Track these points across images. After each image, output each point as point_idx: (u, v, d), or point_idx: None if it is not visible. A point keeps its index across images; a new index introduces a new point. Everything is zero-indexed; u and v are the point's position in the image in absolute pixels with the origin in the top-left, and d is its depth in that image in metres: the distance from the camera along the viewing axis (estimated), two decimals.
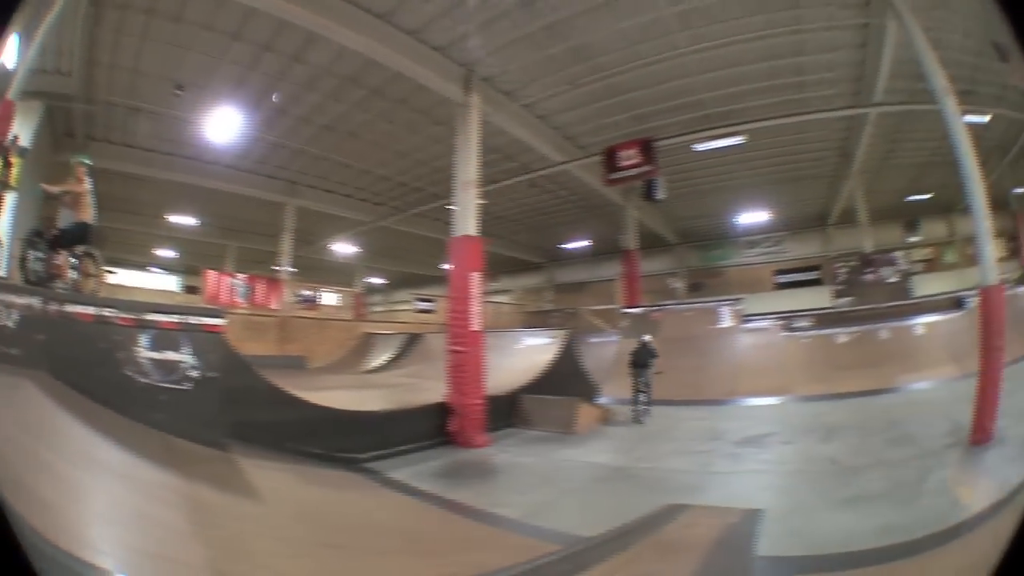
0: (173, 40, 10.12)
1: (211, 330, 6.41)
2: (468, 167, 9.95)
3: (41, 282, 6.92)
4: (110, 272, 15.77)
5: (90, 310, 6.04)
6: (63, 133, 13.09)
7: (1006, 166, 17.07)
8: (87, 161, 7.41)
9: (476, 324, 9.42)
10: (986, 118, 13.06)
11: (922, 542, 3.99)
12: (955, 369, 9.90)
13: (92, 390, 5.35)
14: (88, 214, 7.25)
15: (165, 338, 6.09)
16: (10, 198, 8.27)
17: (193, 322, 6.34)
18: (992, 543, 1.53)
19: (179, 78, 11.23)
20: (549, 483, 6.90)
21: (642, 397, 10.48)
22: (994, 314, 7.03)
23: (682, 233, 25.56)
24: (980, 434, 6.54)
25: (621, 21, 10.22)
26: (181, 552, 3.28)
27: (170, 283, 27.64)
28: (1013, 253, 18.44)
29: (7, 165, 7.96)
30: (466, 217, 9.74)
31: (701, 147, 13.69)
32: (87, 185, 7.25)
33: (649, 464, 7.53)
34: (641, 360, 10.74)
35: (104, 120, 13.04)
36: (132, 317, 6.09)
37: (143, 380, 5.87)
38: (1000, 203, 16.85)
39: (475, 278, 9.47)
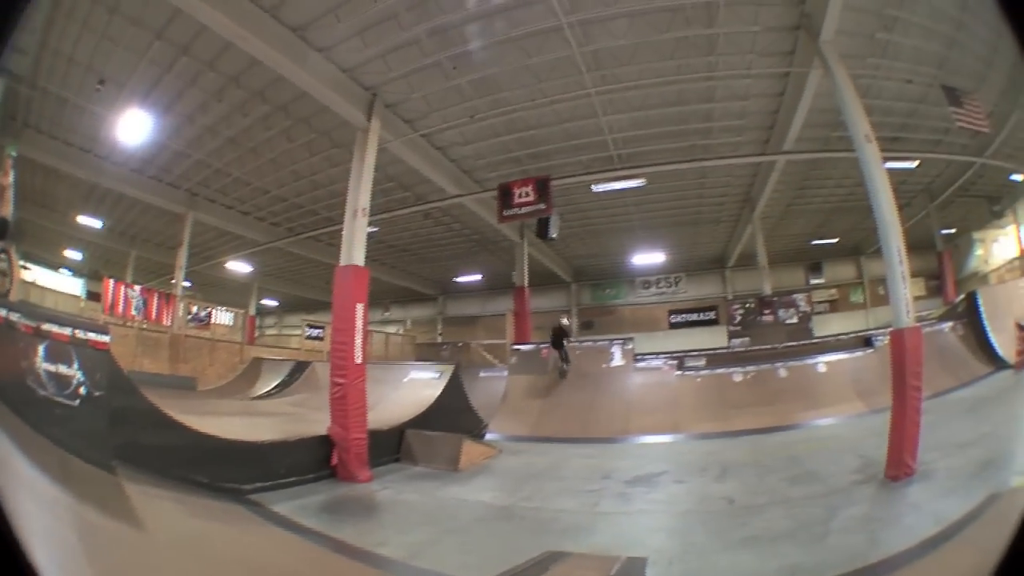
0: (106, 31, 9.83)
1: (96, 346, 6.08)
2: (361, 193, 9.67)
3: None
4: (25, 268, 14.61)
5: (1, 312, 5.84)
6: (8, 116, 12.30)
7: (935, 208, 18.17)
8: (13, 153, 6.88)
9: (359, 357, 9.12)
10: (914, 164, 13.73)
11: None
12: (863, 405, 10.10)
13: (6, 396, 5.25)
14: (7, 209, 6.75)
15: (58, 350, 5.85)
16: None
17: (80, 336, 6.02)
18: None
19: (103, 72, 10.90)
20: (432, 522, 6.57)
21: (563, 363, 13.17)
22: (911, 354, 7.14)
23: (577, 271, 26.03)
24: (898, 469, 6.52)
25: (531, 57, 10.37)
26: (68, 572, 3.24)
27: (77, 287, 25.91)
28: (935, 291, 19.69)
29: None
30: (354, 246, 9.41)
31: (600, 188, 13.93)
32: (10, 179, 6.76)
33: (536, 504, 7.20)
34: (559, 339, 13.34)
35: (38, 107, 12.36)
36: (32, 325, 5.86)
37: (42, 392, 5.66)
38: (924, 243, 18.01)
39: (359, 310, 9.18)
